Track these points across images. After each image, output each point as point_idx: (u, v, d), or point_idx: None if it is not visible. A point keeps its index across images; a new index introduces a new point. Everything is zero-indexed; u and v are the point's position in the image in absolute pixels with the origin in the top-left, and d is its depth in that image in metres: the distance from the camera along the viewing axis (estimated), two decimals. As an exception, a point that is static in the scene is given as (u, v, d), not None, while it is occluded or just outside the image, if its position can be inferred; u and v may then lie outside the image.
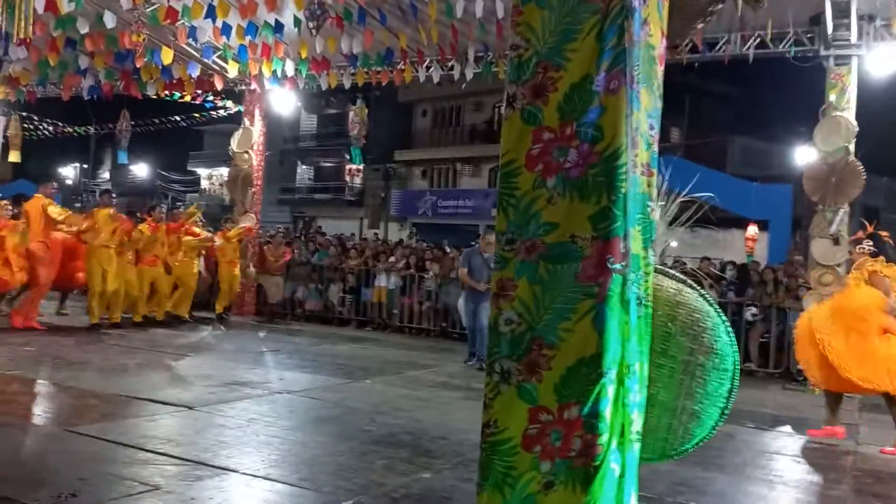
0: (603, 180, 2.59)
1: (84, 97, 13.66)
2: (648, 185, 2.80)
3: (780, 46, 9.66)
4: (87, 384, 6.64)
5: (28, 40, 10.01)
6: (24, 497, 3.75)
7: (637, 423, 2.64)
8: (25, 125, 17.40)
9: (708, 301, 2.91)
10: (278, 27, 10.82)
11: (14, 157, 15.14)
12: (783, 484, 5.10)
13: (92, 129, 23.67)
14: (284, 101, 14.45)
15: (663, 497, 4.37)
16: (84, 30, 10.42)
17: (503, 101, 2.85)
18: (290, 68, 12.39)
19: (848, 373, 5.86)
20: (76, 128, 21.44)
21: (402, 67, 11.90)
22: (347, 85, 12.56)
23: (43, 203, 9.81)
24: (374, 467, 4.63)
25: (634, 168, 2.64)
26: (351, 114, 13.90)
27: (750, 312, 9.95)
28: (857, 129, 8.97)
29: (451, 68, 11.73)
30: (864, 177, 8.91)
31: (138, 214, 11.50)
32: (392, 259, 13.01)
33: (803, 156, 15.55)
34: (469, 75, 11.67)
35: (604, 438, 2.48)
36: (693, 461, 4.90)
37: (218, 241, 12.19)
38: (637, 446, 2.65)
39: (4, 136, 14.63)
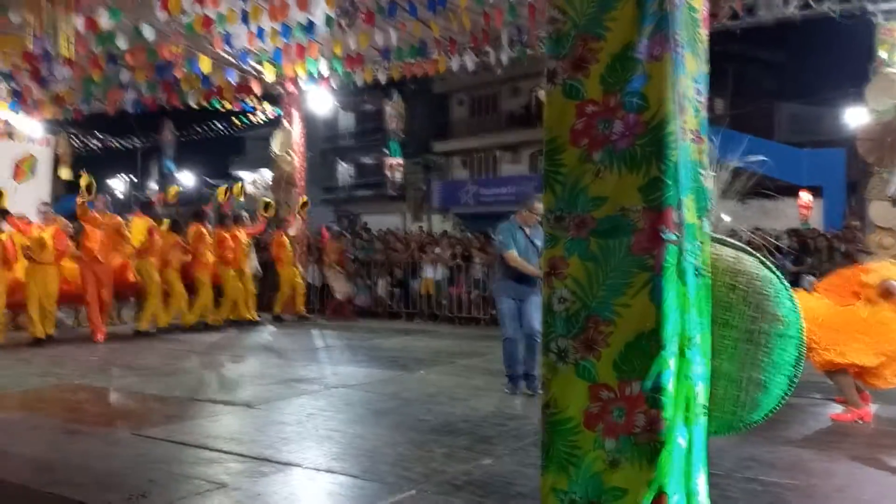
0: (652, 150, 2.52)
1: (128, 111, 13.97)
2: (699, 153, 2.72)
3: (824, 5, 9.33)
4: (150, 388, 6.81)
5: (71, 59, 10.28)
6: (97, 500, 3.85)
7: (702, 396, 2.58)
8: (74, 142, 17.90)
9: (768, 267, 2.82)
10: (310, 27, 10.89)
11: (65, 174, 15.58)
12: (854, 457, 4.94)
13: (138, 142, 24.26)
14: (321, 101, 14.56)
15: (731, 472, 4.28)
16: (124, 45, 10.64)
17: (544, 77, 2.80)
18: (324, 67, 12.47)
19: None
20: (122, 141, 22.00)
21: (436, 58, 11.87)
22: (383, 80, 12.58)
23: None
24: (435, 456, 4.63)
25: (684, 135, 2.58)
26: (388, 108, 13.95)
27: (807, 281, 9.67)
28: (911, 85, 8.62)
29: (486, 55, 11.64)
30: (922, 134, 8.58)
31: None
32: (438, 250, 13.02)
33: (855, 117, 15.03)
34: (504, 60, 11.56)
35: (668, 413, 2.43)
36: (760, 435, 4.78)
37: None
38: (703, 420, 2.60)
39: (55, 154, 15.06)
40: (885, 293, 5.67)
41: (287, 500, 3.96)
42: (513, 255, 6.43)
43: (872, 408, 5.82)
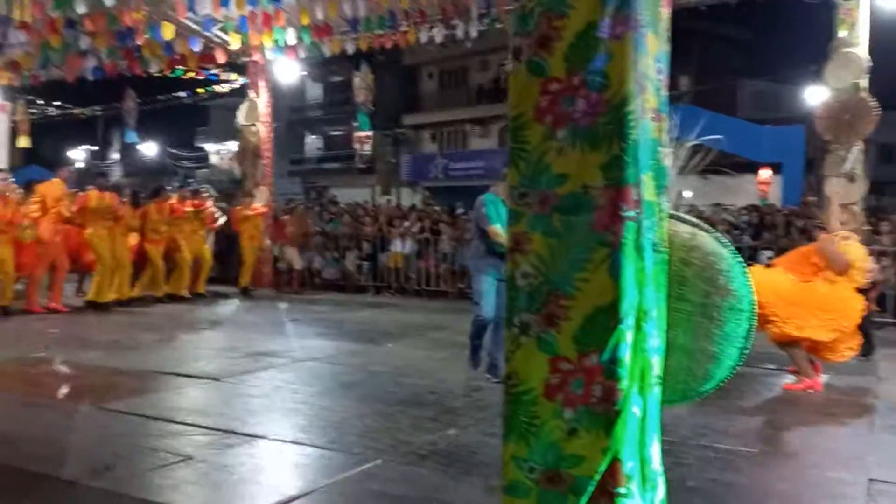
0: (612, 129, 2.57)
1: (88, 78, 13.63)
2: (659, 131, 2.78)
3: (788, -17, 9.46)
4: (114, 362, 6.76)
5: (27, 23, 9.99)
6: (60, 473, 3.85)
7: (656, 367, 2.67)
8: (32, 110, 17.45)
9: (722, 243, 2.91)
10: (277, -5, 10.72)
11: (23, 142, 15.22)
12: (804, 424, 5.14)
13: (99, 111, 23.70)
14: (288, 71, 14.37)
15: (686, 440, 4.42)
16: (83, 10, 10.36)
17: (509, 55, 2.82)
18: (292, 37, 12.29)
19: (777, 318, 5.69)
20: (83, 110, 21.47)
21: (405, 30, 11.77)
22: (351, 51, 12.45)
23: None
24: (401, 427, 4.71)
25: (644, 114, 2.62)
26: (356, 80, 13.82)
27: (766, 256, 9.91)
28: (869, 64, 8.80)
29: (455, 28, 11.58)
30: (877, 112, 8.78)
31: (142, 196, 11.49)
32: (406, 224, 13.03)
33: (814, 95, 15.30)
34: (473, 33, 11.51)
35: (624, 384, 2.51)
36: (715, 405, 4.94)
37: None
38: (657, 390, 2.69)
39: (12, 122, 14.69)
40: (827, 260, 5.88)
41: (253, 471, 4.00)
42: (497, 229, 5.87)
43: (823, 378, 6.04)
